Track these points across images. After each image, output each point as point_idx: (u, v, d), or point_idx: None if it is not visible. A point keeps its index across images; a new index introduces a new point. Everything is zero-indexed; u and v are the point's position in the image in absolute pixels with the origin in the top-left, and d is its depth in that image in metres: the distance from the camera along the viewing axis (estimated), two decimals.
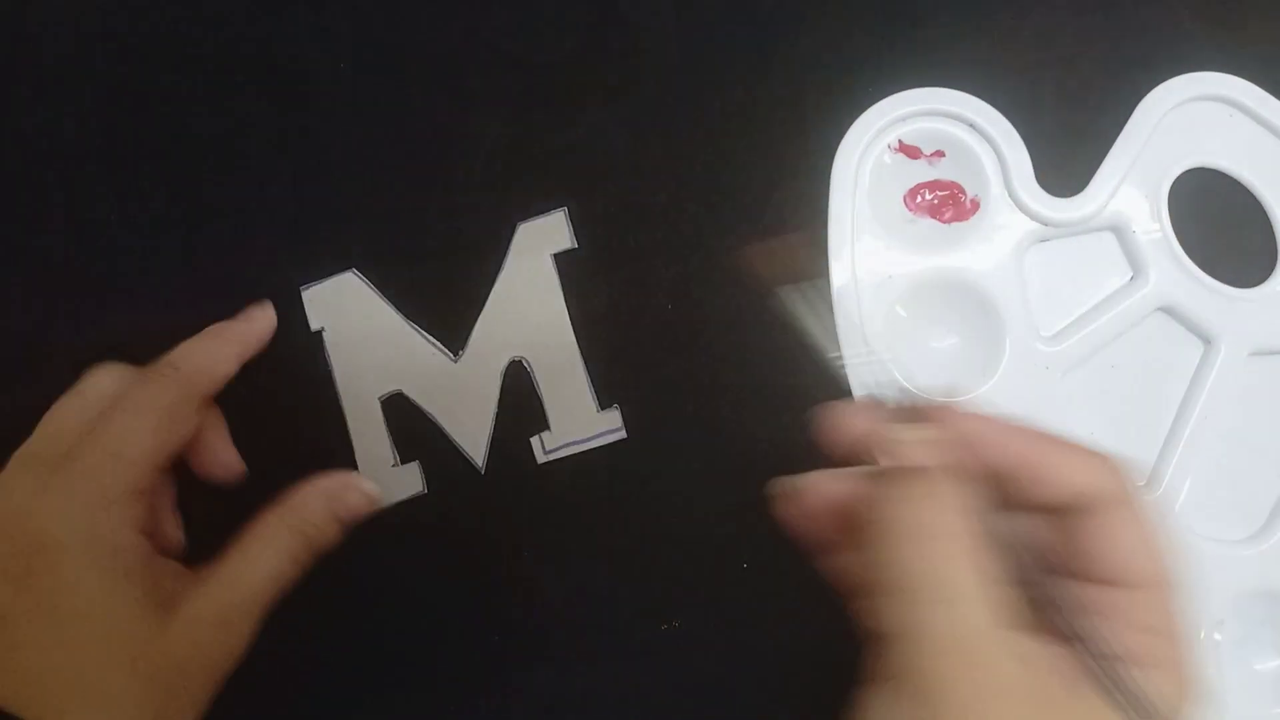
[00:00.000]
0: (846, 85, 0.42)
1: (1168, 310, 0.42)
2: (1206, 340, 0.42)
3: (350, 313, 0.40)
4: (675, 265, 0.41)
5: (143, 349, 0.37)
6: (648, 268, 0.41)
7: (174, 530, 0.37)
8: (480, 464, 0.40)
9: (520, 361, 0.40)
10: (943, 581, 0.24)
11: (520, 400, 0.40)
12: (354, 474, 0.38)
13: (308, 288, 0.40)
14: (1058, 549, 0.26)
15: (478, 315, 0.40)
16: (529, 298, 0.40)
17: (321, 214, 0.42)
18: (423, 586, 0.40)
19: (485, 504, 0.40)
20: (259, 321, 0.39)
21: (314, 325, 0.40)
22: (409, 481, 0.40)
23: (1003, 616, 0.24)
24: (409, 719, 0.39)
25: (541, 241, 0.41)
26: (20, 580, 0.31)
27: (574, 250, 0.41)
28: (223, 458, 0.38)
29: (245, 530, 0.34)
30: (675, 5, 0.44)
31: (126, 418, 0.34)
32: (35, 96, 0.44)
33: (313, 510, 0.36)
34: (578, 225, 0.41)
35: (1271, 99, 0.43)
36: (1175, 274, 0.41)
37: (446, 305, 0.41)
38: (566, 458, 0.40)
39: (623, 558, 0.40)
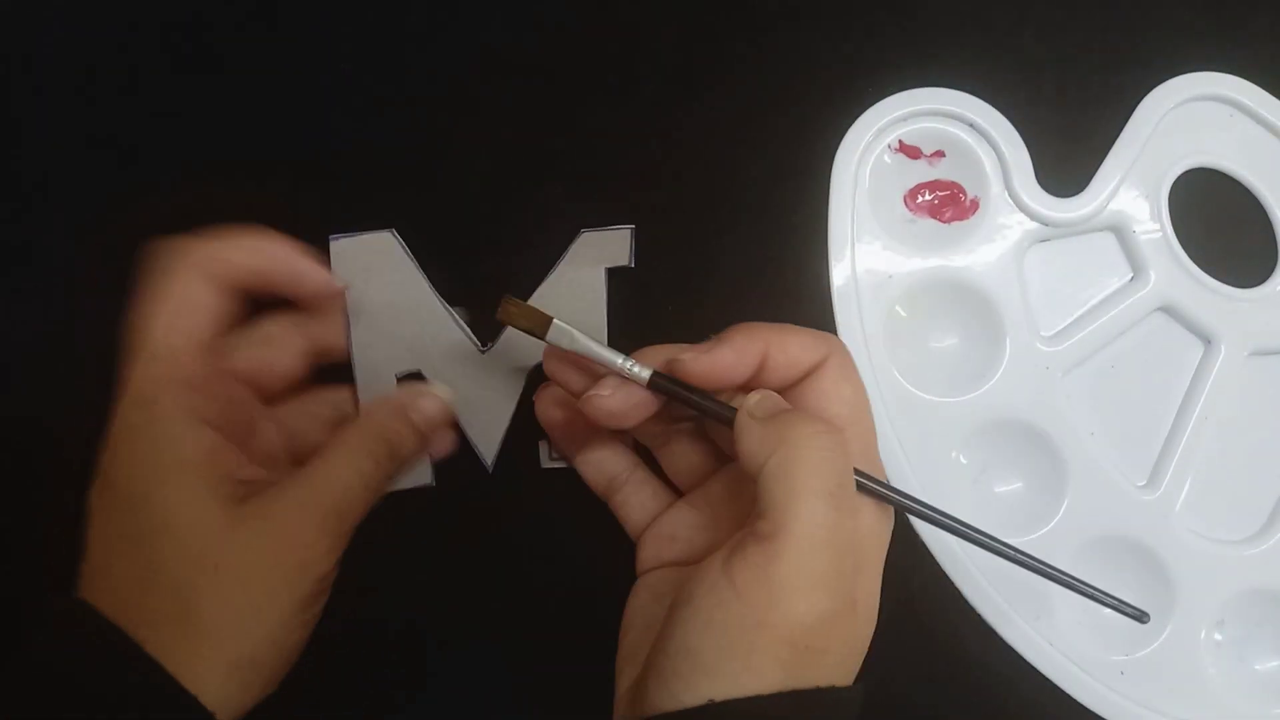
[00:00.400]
0: (846, 85, 0.42)
1: (1168, 310, 0.42)
2: (1206, 340, 0.42)
3: (379, 276, 0.38)
4: (675, 266, 0.41)
5: None
6: (647, 268, 0.41)
7: (271, 439, 0.36)
8: (489, 462, 0.39)
9: None
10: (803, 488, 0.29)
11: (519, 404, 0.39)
12: (422, 383, 0.37)
13: (338, 239, 0.38)
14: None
15: None
16: (574, 305, 0.39)
17: (321, 218, 0.42)
18: (422, 581, 0.40)
19: (490, 503, 0.39)
20: (312, 267, 0.35)
21: (338, 282, 0.37)
22: (418, 471, 0.38)
23: None
24: (405, 715, 0.39)
25: (599, 254, 0.39)
26: (103, 492, 0.31)
27: (629, 269, 0.39)
28: (312, 277, 0.35)
29: (327, 439, 0.34)
30: (675, 5, 0.44)
31: (143, 311, 0.32)
32: (35, 96, 0.44)
33: (387, 415, 0.35)
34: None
35: (1271, 99, 0.43)
36: (1175, 274, 0.41)
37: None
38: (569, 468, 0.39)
39: (620, 556, 0.40)
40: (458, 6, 0.44)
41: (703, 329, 0.41)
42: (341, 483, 0.32)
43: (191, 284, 0.33)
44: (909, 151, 0.42)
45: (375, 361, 0.38)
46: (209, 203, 0.42)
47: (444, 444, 0.38)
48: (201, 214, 0.38)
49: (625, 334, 0.41)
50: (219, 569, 0.30)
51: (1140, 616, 0.33)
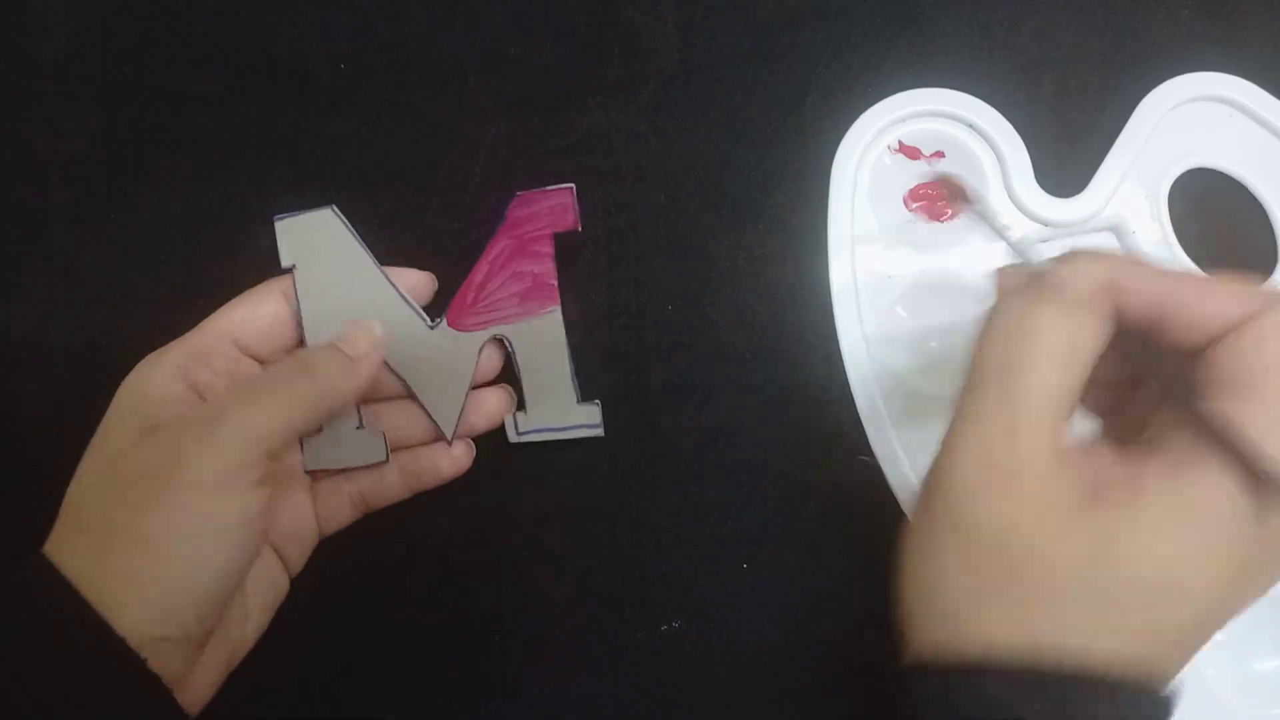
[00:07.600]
0: (846, 85, 0.42)
1: None
2: None
3: (325, 254, 0.38)
4: (675, 265, 0.42)
5: (142, 349, 0.37)
6: (648, 268, 0.42)
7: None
8: (450, 435, 0.39)
9: (502, 340, 0.39)
10: (1014, 381, 0.26)
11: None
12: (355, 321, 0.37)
13: (282, 219, 0.38)
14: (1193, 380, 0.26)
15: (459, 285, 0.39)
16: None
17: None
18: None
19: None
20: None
21: (285, 261, 0.38)
22: (372, 448, 0.38)
23: (1059, 428, 0.26)
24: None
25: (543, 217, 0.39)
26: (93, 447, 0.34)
27: (574, 232, 0.39)
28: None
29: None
30: (675, 5, 0.44)
31: (226, 307, 0.37)
32: (35, 96, 0.44)
33: (310, 349, 0.36)
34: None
35: (1271, 99, 0.43)
36: None
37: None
38: (544, 444, 0.39)
39: (619, 556, 0.40)
40: (457, 7, 0.44)
41: (702, 329, 0.41)
42: (240, 399, 0.33)
43: (271, 295, 0.37)
44: (909, 152, 0.42)
45: (325, 339, 0.37)
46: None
47: (375, 373, 0.37)
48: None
49: (625, 334, 0.41)
50: (118, 477, 0.32)
51: None
